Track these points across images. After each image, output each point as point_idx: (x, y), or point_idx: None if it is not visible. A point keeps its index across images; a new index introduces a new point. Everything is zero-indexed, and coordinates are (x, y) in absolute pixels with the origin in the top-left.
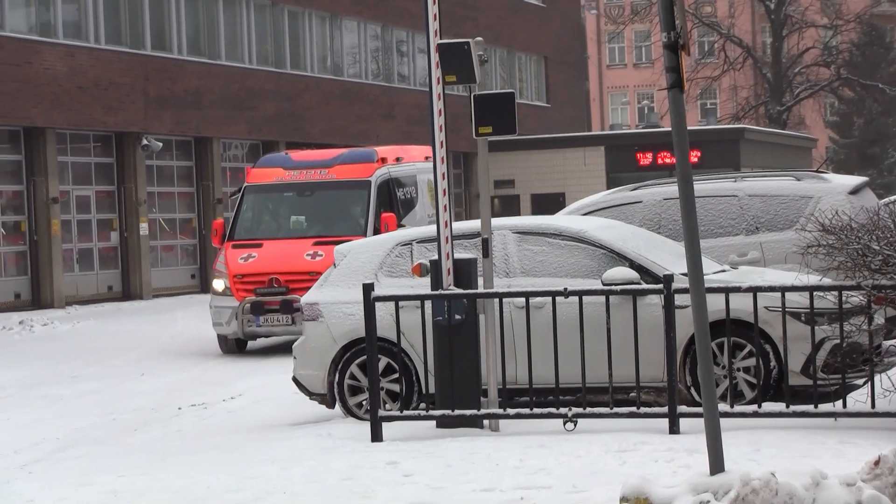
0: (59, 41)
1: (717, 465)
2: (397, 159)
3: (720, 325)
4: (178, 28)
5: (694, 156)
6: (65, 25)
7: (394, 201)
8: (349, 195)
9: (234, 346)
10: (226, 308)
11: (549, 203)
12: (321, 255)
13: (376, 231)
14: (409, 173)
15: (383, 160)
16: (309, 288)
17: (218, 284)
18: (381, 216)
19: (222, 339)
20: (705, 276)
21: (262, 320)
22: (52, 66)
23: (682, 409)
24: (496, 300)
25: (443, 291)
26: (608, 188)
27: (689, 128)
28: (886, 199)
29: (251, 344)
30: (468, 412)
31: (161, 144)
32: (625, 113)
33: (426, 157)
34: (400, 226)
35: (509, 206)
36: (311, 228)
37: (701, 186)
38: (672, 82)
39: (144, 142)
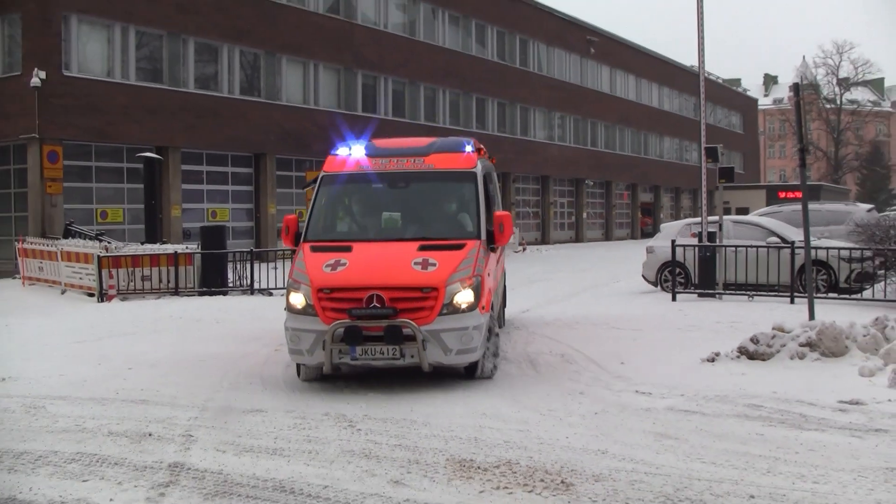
0: (556, 142)
1: (811, 316)
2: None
3: (814, 262)
4: (612, 139)
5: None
6: (538, 130)
7: (491, 197)
8: (453, 189)
9: (318, 375)
10: (308, 332)
11: (744, 212)
12: (434, 265)
13: (489, 234)
14: (489, 168)
15: (479, 150)
16: (421, 308)
17: (296, 299)
18: (493, 215)
19: (303, 368)
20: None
21: (360, 352)
22: (557, 156)
23: (796, 295)
24: (724, 248)
25: (703, 244)
26: (767, 206)
27: (797, 183)
28: (884, 213)
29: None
30: (710, 291)
31: (591, 183)
32: (773, 176)
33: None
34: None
35: (727, 212)
36: (409, 229)
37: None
38: (801, 163)
39: (588, 181)
